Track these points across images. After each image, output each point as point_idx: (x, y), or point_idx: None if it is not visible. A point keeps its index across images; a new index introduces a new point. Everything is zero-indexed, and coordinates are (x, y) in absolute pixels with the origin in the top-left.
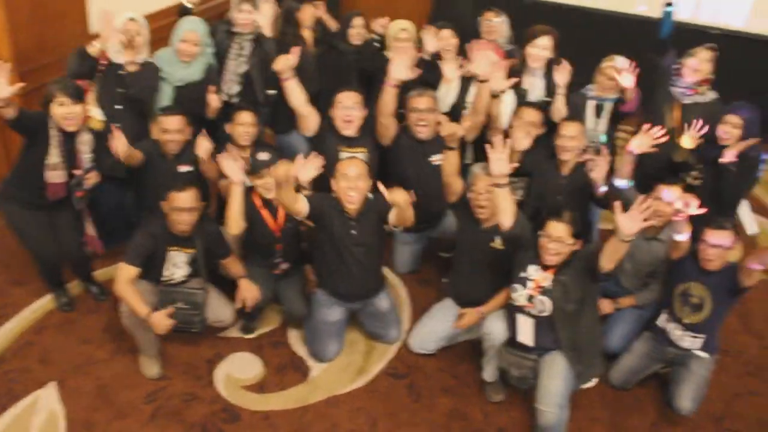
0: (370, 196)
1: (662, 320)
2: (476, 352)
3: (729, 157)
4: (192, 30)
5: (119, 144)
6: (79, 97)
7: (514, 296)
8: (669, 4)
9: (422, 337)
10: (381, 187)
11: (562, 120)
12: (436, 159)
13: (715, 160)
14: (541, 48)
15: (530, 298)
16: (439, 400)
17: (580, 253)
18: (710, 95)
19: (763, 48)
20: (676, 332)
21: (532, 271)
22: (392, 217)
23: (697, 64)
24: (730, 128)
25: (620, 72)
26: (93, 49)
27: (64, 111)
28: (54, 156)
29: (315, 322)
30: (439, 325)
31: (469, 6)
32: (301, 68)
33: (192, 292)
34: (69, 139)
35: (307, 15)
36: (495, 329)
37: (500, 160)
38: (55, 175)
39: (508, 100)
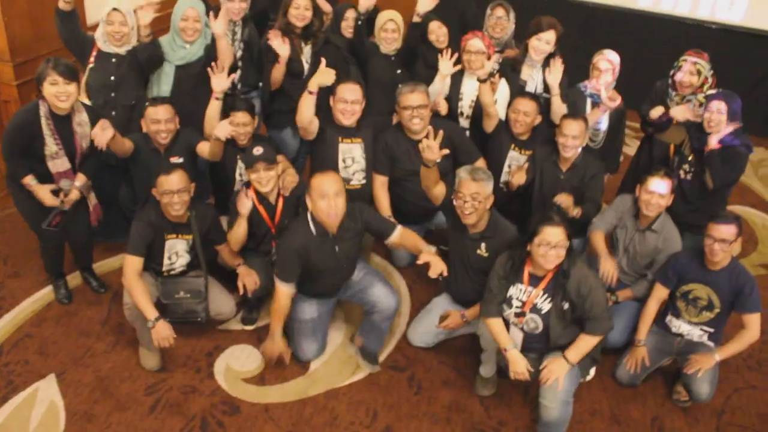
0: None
1: (668, 318)
2: (477, 345)
3: (712, 143)
4: (192, 6)
5: (102, 137)
6: (72, 76)
7: (503, 312)
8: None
9: (421, 330)
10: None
11: (563, 117)
12: None
13: (703, 149)
14: (545, 42)
15: (521, 314)
16: (440, 393)
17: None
18: None
19: (761, 42)
20: (683, 327)
21: (517, 292)
22: (397, 238)
23: (683, 78)
24: (715, 115)
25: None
26: (63, 4)
27: (56, 90)
28: (51, 145)
29: (291, 321)
30: (435, 318)
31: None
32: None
33: (193, 280)
34: (64, 124)
35: None
36: (487, 331)
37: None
38: (57, 164)
39: (502, 90)
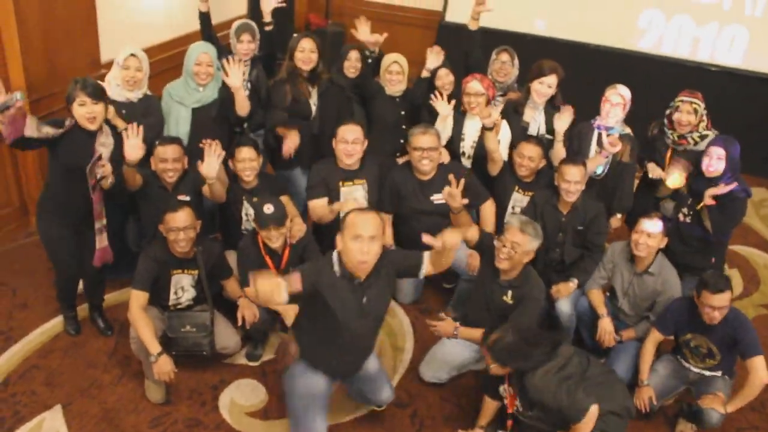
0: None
1: (678, 357)
2: (480, 382)
3: (708, 200)
4: (205, 52)
5: (133, 146)
6: (99, 96)
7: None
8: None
9: (435, 365)
10: (427, 238)
11: (564, 162)
12: (437, 198)
13: (702, 194)
14: (546, 85)
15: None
16: (442, 430)
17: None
18: (703, 144)
19: (760, 85)
20: (693, 369)
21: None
22: (427, 265)
23: (682, 117)
24: (715, 161)
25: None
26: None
27: (85, 111)
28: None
29: (296, 398)
30: (450, 353)
31: (477, 43)
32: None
33: (199, 314)
34: (91, 139)
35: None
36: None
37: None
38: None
39: (504, 133)
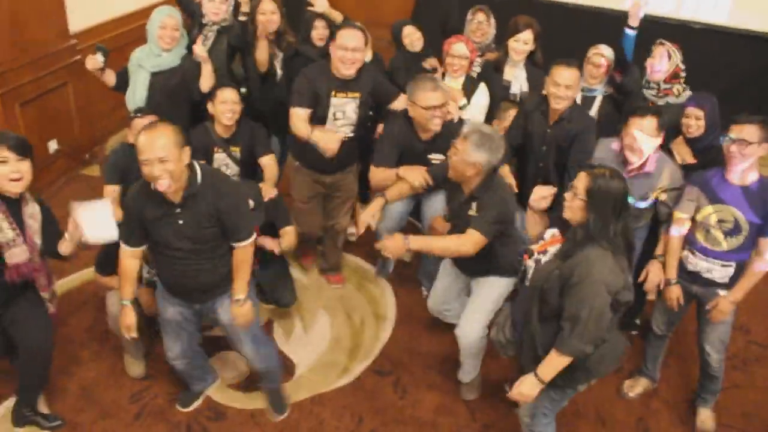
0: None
1: (684, 254)
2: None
3: (689, 159)
4: (170, 15)
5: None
6: (25, 151)
7: None
8: (631, 28)
9: (439, 296)
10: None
11: (556, 64)
12: (435, 158)
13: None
14: (522, 42)
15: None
16: (425, 397)
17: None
18: (685, 95)
19: (744, 42)
20: (701, 264)
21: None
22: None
23: (654, 63)
24: (693, 121)
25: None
26: None
27: (7, 170)
28: (6, 231)
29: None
30: (451, 282)
31: (455, 6)
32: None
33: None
34: (15, 208)
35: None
36: (465, 330)
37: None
38: (14, 254)
39: (480, 98)
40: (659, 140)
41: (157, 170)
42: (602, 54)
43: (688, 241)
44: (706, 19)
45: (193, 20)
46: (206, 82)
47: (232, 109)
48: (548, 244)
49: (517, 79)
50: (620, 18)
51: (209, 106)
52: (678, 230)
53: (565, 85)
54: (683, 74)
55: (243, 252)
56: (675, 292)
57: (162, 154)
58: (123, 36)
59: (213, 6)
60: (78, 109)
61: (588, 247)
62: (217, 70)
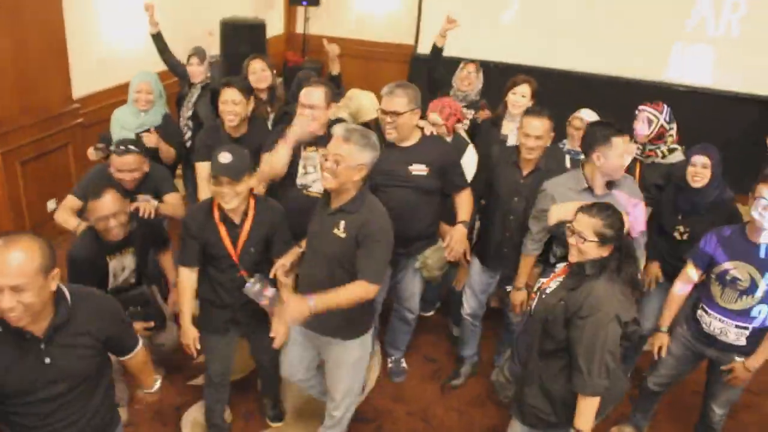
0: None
1: (699, 313)
2: (447, 396)
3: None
4: (144, 81)
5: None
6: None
7: None
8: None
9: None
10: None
11: (525, 114)
12: (417, 169)
13: (693, 209)
14: (520, 95)
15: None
16: None
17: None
18: (673, 157)
19: (728, 103)
20: (715, 324)
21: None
22: None
23: (636, 127)
24: (700, 169)
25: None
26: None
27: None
28: None
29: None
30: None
31: (440, 60)
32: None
33: (139, 292)
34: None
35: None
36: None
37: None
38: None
39: (470, 158)
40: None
41: (6, 301)
42: (581, 117)
43: (702, 298)
44: (690, 81)
45: (182, 81)
46: (167, 158)
47: (233, 111)
48: (556, 276)
49: (513, 133)
50: (603, 80)
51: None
52: (683, 288)
53: (535, 136)
54: (671, 135)
55: (138, 358)
56: (661, 340)
57: (16, 281)
58: (123, 102)
59: (193, 69)
60: (78, 169)
61: (595, 279)
62: (204, 122)
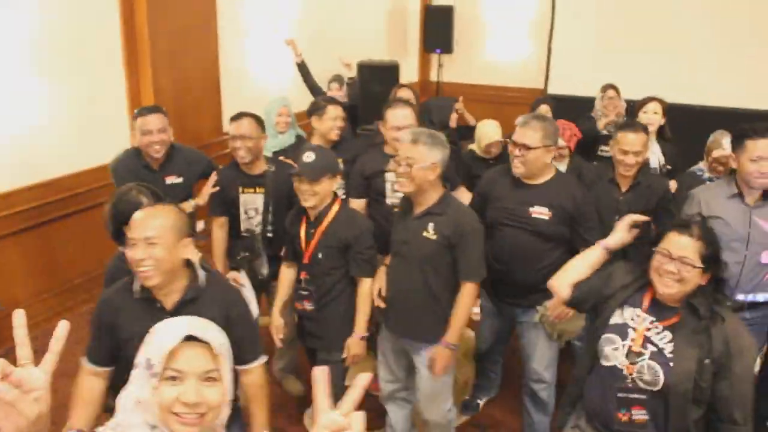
0: None
1: None
2: None
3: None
4: (285, 105)
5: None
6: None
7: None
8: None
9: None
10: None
11: (620, 129)
12: (538, 212)
13: None
14: (652, 113)
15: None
16: None
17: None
18: None
19: None
20: None
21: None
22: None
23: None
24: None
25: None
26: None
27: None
28: None
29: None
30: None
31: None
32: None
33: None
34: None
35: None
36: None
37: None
38: None
39: None
40: None
41: (140, 252)
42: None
43: None
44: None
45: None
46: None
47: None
48: (642, 333)
49: (654, 153)
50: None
51: (314, 121)
52: None
53: (633, 152)
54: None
55: (255, 377)
56: None
57: (148, 233)
58: None
59: (333, 94)
60: None
61: (718, 313)
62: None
